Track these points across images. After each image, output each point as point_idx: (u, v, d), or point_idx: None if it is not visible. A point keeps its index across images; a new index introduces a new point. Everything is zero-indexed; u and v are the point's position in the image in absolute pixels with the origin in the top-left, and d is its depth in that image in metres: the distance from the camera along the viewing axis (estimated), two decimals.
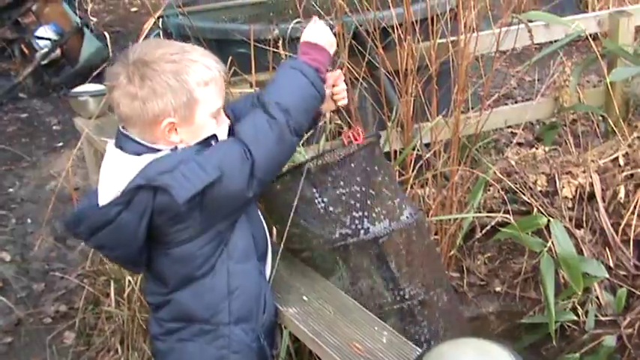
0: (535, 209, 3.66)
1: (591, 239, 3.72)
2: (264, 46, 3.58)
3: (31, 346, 3.60)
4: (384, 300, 2.42)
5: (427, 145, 3.68)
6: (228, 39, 3.90)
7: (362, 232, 2.35)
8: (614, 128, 4.17)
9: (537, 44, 3.96)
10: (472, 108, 3.91)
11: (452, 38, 3.54)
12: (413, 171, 3.51)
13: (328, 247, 2.36)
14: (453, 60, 3.56)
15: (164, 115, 1.93)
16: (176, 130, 1.96)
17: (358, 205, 2.34)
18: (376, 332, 2.07)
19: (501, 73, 5.14)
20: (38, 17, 7.07)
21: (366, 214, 2.36)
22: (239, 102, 2.36)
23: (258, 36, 3.61)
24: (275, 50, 3.49)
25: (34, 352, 3.57)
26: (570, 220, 3.73)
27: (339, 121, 3.40)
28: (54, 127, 5.94)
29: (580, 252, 3.56)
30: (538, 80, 5.33)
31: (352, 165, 2.33)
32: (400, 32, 3.50)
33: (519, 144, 4.66)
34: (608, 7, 6.56)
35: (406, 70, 3.49)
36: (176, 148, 1.97)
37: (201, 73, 1.95)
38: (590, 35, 4.20)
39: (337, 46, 3.48)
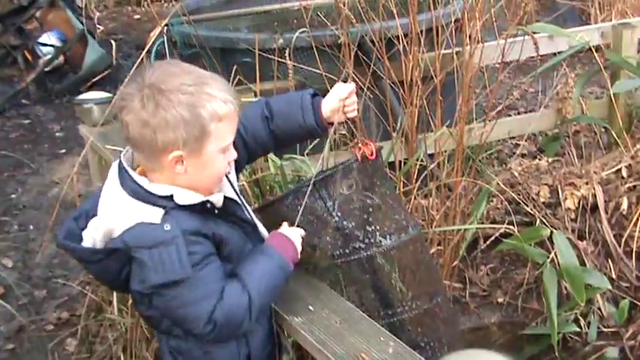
0: (538, 220, 3.67)
1: (594, 250, 3.72)
2: (268, 56, 3.59)
3: (33, 354, 3.59)
4: (385, 312, 2.43)
5: (431, 156, 3.69)
6: (232, 48, 3.91)
7: (364, 246, 2.35)
8: (617, 140, 4.18)
9: (541, 56, 3.97)
10: (476, 119, 3.92)
11: (457, 49, 3.55)
12: (417, 182, 3.52)
13: (330, 262, 2.37)
14: (457, 71, 3.56)
15: (173, 147, 1.89)
16: (182, 162, 1.92)
17: (362, 219, 2.35)
18: (382, 343, 2.07)
19: (505, 85, 5.14)
20: (42, 24, 7.09)
21: (371, 228, 2.36)
22: (248, 111, 2.32)
23: (262, 45, 3.62)
24: (280, 60, 3.50)
25: (35, 359, 3.56)
26: (573, 231, 3.73)
27: (343, 132, 3.40)
28: (56, 134, 5.94)
29: (582, 263, 3.56)
30: (541, 91, 5.34)
31: (358, 179, 2.34)
32: (405, 43, 3.51)
33: (522, 155, 4.66)
34: (611, 19, 6.59)
35: (411, 80, 3.50)
36: (168, 212, 1.93)
37: (217, 108, 1.90)
38: (593, 47, 4.21)
39: (343, 56, 3.53)
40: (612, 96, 4.26)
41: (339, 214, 2.33)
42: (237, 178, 2.28)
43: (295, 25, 3.92)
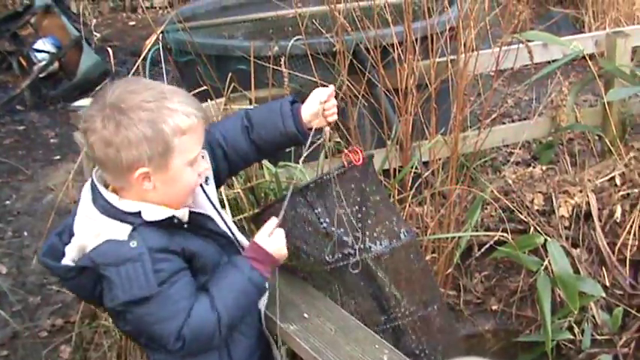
0: (532, 228, 3.68)
1: (587, 258, 3.73)
2: (263, 63, 3.60)
3: None
4: (380, 318, 2.43)
5: (425, 164, 3.70)
6: (228, 55, 3.91)
7: (357, 252, 2.36)
8: (611, 148, 4.20)
9: (535, 64, 3.98)
10: (470, 126, 3.93)
11: (451, 57, 3.56)
12: (411, 189, 3.53)
13: (323, 269, 2.37)
14: (452, 79, 3.57)
15: (138, 164, 1.89)
16: (149, 178, 1.92)
17: (354, 225, 2.35)
18: (377, 350, 2.08)
19: (499, 92, 5.16)
20: (37, 30, 7.08)
21: (362, 234, 2.37)
22: (228, 122, 2.34)
23: (258, 53, 3.62)
24: (275, 67, 3.50)
25: None
26: (567, 239, 3.74)
27: (338, 139, 3.41)
28: (51, 140, 5.93)
29: (576, 271, 3.57)
30: (535, 99, 5.36)
31: (347, 185, 2.34)
32: (400, 51, 3.52)
33: (516, 163, 4.68)
34: (605, 27, 6.61)
35: (406, 88, 3.50)
36: (135, 228, 1.93)
37: (179, 122, 1.89)
38: (587, 55, 4.23)
39: (338, 63, 3.54)
40: (606, 104, 4.27)
41: (327, 220, 2.33)
42: (218, 189, 2.27)
43: (290, 32, 3.93)
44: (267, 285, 2.16)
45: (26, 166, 5.45)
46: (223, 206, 3.11)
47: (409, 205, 3.51)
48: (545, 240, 3.36)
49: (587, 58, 4.24)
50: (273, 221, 2.13)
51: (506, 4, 3.74)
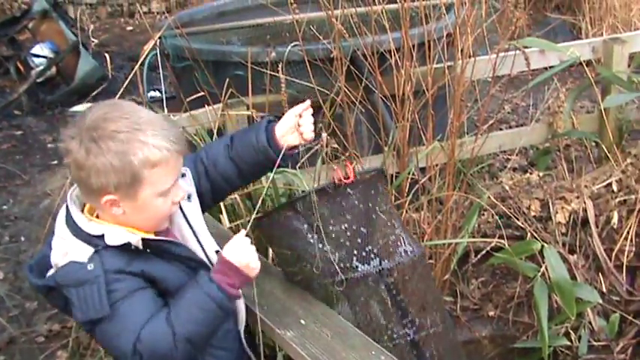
0: (529, 234, 3.69)
1: (584, 264, 3.73)
2: (261, 69, 3.60)
3: None
4: (388, 333, 2.42)
5: (422, 170, 3.70)
6: (225, 61, 3.91)
7: (367, 267, 2.35)
8: (608, 154, 4.20)
9: (532, 70, 3.99)
10: (467, 133, 3.93)
11: (449, 63, 3.57)
12: (408, 195, 3.53)
13: (329, 282, 2.36)
14: (449, 85, 3.58)
15: (105, 191, 1.89)
16: (118, 204, 1.93)
17: (364, 239, 2.34)
18: (374, 357, 2.07)
19: (496, 99, 5.17)
20: (34, 35, 7.09)
21: (372, 248, 2.36)
22: (215, 141, 2.35)
23: (255, 58, 3.63)
24: (272, 73, 3.51)
25: None
26: (564, 245, 3.75)
27: (335, 145, 3.41)
28: (48, 145, 5.93)
29: (573, 277, 3.57)
30: (532, 106, 5.37)
31: (354, 200, 2.33)
32: (397, 57, 3.53)
33: (513, 169, 4.68)
34: (602, 34, 6.63)
35: (403, 94, 3.51)
36: (98, 251, 1.93)
37: (150, 155, 1.88)
38: (584, 61, 4.24)
39: (335, 70, 3.54)
40: (603, 110, 4.28)
41: (324, 234, 2.31)
42: (203, 212, 2.23)
43: (288, 38, 3.94)
44: (238, 299, 2.12)
45: (23, 171, 5.45)
46: (220, 212, 3.12)
47: (406, 212, 3.52)
48: (542, 246, 3.35)
49: (584, 65, 4.25)
50: (242, 233, 2.07)
51: (503, 11, 3.75)
